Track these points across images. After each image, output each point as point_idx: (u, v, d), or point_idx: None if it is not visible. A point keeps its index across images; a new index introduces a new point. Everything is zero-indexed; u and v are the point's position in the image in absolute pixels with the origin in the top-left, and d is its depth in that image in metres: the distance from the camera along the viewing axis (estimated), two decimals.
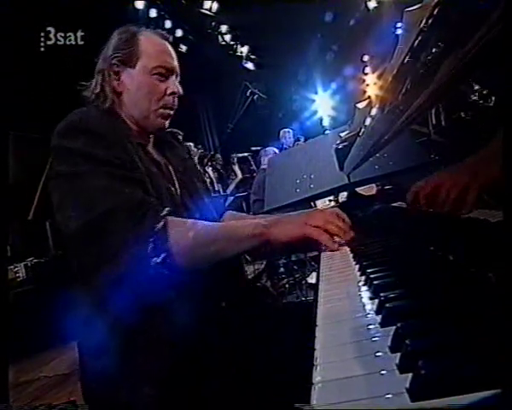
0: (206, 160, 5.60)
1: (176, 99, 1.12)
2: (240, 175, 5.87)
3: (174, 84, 1.10)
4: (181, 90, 1.12)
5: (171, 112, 1.12)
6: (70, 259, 0.96)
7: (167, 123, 1.13)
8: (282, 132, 5.93)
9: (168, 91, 1.09)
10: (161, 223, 0.89)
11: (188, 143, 5.27)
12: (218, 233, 0.95)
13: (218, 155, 6.51)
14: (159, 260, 0.86)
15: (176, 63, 1.12)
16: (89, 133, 0.94)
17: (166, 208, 0.92)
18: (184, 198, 1.11)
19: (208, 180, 5.15)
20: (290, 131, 5.94)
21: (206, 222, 0.96)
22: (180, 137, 1.37)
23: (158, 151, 1.16)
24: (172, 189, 1.09)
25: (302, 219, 0.93)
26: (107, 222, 0.88)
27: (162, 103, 1.09)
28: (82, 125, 0.95)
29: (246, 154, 6.43)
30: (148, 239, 0.87)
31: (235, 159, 6.23)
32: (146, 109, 1.08)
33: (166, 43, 1.13)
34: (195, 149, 5.77)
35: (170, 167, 1.14)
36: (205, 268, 0.94)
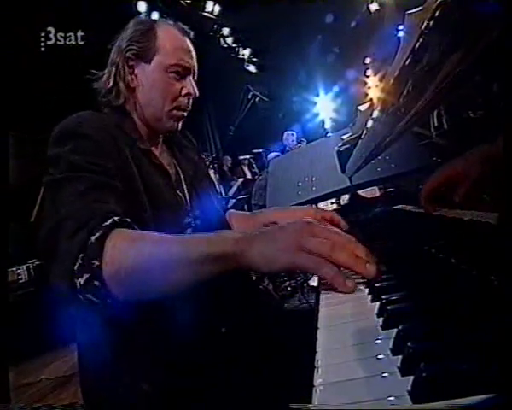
0: (208, 162, 5.62)
1: (190, 100, 1.07)
2: (249, 176, 5.90)
3: (190, 85, 1.05)
4: (197, 92, 1.07)
5: (185, 113, 1.08)
6: None
7: (180, 125, 1.08)
8: (285, 135, 5.95)
9: (183, 92, 1.04)
10: (98, 234, 0.72)
11: None
12: (168, 252, 0.71)
13: (228, 157, 6.55)
14: (82, 281, 0.70)
15: (194, 62, 1.07)
16: (78, 139, 0.88)
17: (116, 216, 0.76)
18: (193, 205, 1.06)
19: None
20: (294, 133, 5.97)
21: (159, 236, 0.74)
22: (191, 138, 1.30)
23: (167, 153, 1.12)
24: (181, 195, 1.04)
25: (294, 239, 0.60)
26: (57, 231, 0.76)
27: (176, 104, 1.04)
28: (73, 130, 0.90)
29: (248, 156, 6.45)
30: (78, 254, 0.71)
31: (246, 160, 6.26)
32: (159, 110, 1.03)
33: (186, 40, 1.07)
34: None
35: (180, 172, 1.10)
36: (153, 300, 0.74)
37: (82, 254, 0.71)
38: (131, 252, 0.72)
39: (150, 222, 0.87)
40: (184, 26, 1.09)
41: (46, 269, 0.78)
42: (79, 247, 0.72)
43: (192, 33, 1.09)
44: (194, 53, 1.08)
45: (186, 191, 1.07)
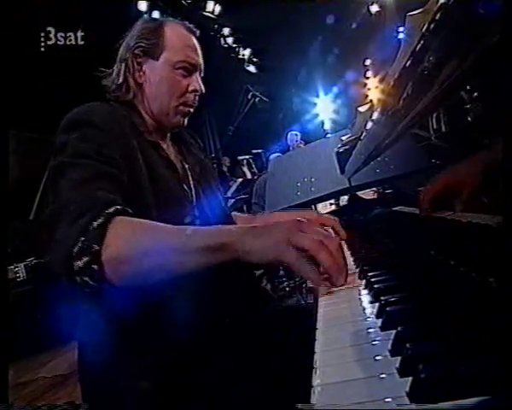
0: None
1: (197, 97, 1.09)
2: (249, 176, 5.89)
3: (197, 82, 1.07)
4: (203, 88, 1.09)
5: (191, 109, 1.10)
6: None
7: (186, 121, 1.10)
8: (289, 135, 5.93)
9: (190, 88, 1.06)
10: (100, 220, 0.74)
11: None
12: (166, 239, 0.75)
13: (226, 158, 6.56)
14: (81, 263, 0.72)
15: (201, 59, 1.09)
16: (86, 127, 0.89)
17: (119, 205, 0.78)
18: (198, 201, 1.07)
19: None
20: (298, 133, 5.94)
21: (159, 225, 0.77)
22: (197, 138, 1.32)
23: (174, 149, 1.14)
24: (187, 190, 1.06)
25: (284, 235, 0.64)
26: (59, 215, 0.78)
27: (183, 100, 1.06)
28: (82, 119, 0.91)
29: (247, 156, 6.45)
30: (78, 237, 0.73)
31: (245, 161, 6.26)
32: (166, 105, 1.05)
33: (193, 38, 1.09)
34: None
35: (186, 168, 1.11)
36: (147, 286, 0.76)
37: (82, 238, 0.73)
38: (132, 240, 0.75)
39: (153, 213, 0.88)
40: (191, 25, 1.11)
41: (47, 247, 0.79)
42: (80, 231, 0.74)
43: (198, 32, 1.11)
44: (200, 51, 1.10)
45: (192, 187, 1.08)
